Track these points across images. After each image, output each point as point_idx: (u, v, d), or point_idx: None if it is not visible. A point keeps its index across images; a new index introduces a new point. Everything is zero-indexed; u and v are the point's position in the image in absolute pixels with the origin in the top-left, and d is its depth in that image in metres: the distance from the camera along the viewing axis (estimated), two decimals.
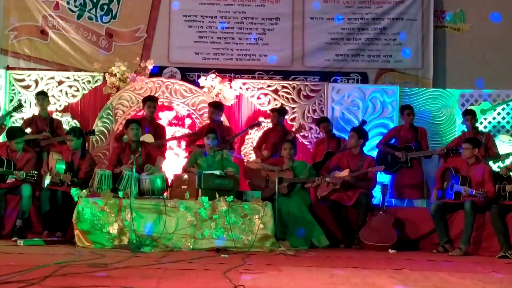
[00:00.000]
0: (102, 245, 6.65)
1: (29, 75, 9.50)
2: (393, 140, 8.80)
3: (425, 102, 9.52)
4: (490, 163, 8.39)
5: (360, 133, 7.98)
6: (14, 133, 7.80)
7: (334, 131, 9.05)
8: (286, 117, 9.32)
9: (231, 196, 6.89)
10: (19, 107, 8.97)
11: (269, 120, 9.11)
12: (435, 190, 7.46)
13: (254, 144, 9.04)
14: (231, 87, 9.41)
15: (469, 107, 9.19)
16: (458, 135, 8.93)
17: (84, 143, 7.94)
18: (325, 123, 8.88)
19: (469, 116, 8.54)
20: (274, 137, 8.71)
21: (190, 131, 9.00)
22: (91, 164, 7.73)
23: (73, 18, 10.17)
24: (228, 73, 9.86)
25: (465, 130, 9.05)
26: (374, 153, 8.78)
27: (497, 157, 8.40)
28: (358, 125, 8.88)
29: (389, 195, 8.78)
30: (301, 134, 9.29)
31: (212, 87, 9.33)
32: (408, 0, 10.26)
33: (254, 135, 9.23)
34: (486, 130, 9.24)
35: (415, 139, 8.61)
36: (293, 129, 9.05)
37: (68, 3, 10.14)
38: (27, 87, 9.44)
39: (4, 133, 8.15)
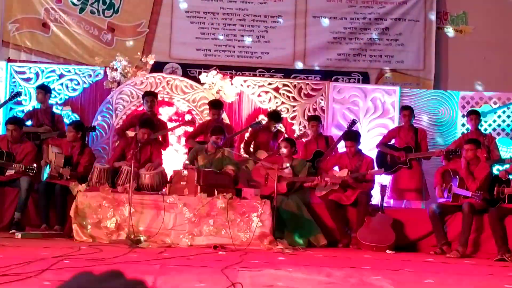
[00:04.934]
0: (100, 239, 6.65)
1: (30, 67, 9.49)
2: (392, 141, 8.78)
3: (426, 103, 9.50)
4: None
5: (356, 138, 7.95)
6: (12, 118, 7.87)
7: (333, 131, 9.02)
8: (286, 115, 9.32)
9: (230, 194, 6.89)
10: (16, 95, 8.95)
11: None
12: (439, 186, 7.43)
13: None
14: (232, 84, 9.40)
15: (469, 109, 9.17)
16: (461, 135, 8.88)
17: (84, 138, 7.94)
18: (316, 121, 8.80)
19: (473, 115, 8.53)
20: (268, 135, 8.69)
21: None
22: (90, 158, 7.74)
23: (75, 12, 10.16)
24: (229, 70, 9.84)
25: (465, 132, 9.06)
26: (374, 153, 8.77)
27: (501, 160, 8.37)
28: (348, 125, 8.81)
29: (388, 196, 8.77)
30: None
31: (213, 83, 9.32)
32: (411, 1, 10.25)
33: None
34: (486, 133, 9.23)
35: (415, 140, 8.59)
36: (295, 135, 9.03)
37: None
38: (27, 79, 9.43)
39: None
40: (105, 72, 9.35)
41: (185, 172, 7.15)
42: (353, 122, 8.85)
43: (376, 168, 8.02)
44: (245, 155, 8.94)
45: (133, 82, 9.27)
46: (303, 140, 8.89)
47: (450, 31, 10.13)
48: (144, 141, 7.72)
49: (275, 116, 8.75)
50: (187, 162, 7.75)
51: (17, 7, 10.10)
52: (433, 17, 10.24)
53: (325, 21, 10.26)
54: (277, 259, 5.83)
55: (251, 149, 8.79)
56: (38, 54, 10.07)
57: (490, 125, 9.44)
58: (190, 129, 8.94)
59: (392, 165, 8.55)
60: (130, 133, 7.99)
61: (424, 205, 8.45)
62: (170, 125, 9.00)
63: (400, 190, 8.62)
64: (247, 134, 9.18)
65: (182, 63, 10.03)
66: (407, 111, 8.71)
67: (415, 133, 8.65)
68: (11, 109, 9.25)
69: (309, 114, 9.34)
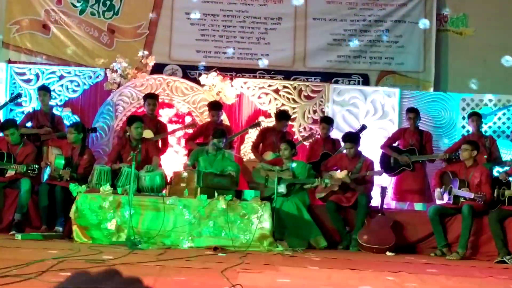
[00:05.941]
0: (100, 241, 6.65)
1: (30, 69, 9.48)
2: (397, 142, 8.75)
3: (426, 105, 9.49)
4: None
5: (355, 139, 7.96)
6: (5, 124, 7.83)
7: (333, 133, 9.00)
8: None
9: (230, 195, 6.89)
10: (17, 97, 8.95)
11: (269, 119, 9.12)
12: (437, 189, 7.44)
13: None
14: (232, 86, 9.39)
15: (470, 111, 9.17)
16: (461, 137, 8.88)
17: (84, 139, 7.95)
18: (327, 124, 8.77)
19: (475, 117, 8.52)
20: (276, 136, 8.69)
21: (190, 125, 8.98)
22: (90, 160, 7.74)
23: (75, 13, 10.15)
24: (229, 71, 9.84)
25: (466, 133, 9.05)
26: (375, 155, 8.77)
27: (502, 163, 8.36)
28: (357, 130, 8.77)
29: (391, 198, 8.77)
30: (301, 135, 9.28)
31: (213, 85, 9.32)
32: (411, 3, 10.24)
33: (253, 135, 9.21)
34: (486, 135, 9.21)
35: (420, 142, 8.57)
36: (300, 137, 9.03)
37: None
38: (28, 81, 9.42)
39: None
40: (105, 73, 9.35)
41: (185, 174, 7.15)
42: (363, 128, 8.81)
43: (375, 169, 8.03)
44: (244, 157, 8.96)
45: (133, 83, 9.28)
46: (311, 141, 8.88)
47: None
48: (140, 137, 7.73)
49: (284, 115, 8.75)
50: (188, 163, 7.75)
51: (17, 8, 10.08)
52: (433, 19, 10.22)
53: (325, 23, 10.25)
54: (277, 261, 5.82)
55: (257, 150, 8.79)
56: (39, 56, 10.06)
57: (490, 127, 9.44)
58: (190, 130, 8.94)
59: (395, 167, 8.54)
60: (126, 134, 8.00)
61: (426, 207, 8.42)
62: (170, 126, 8.99)
63: (403, 192, 8.60)
64: (247, 136, 9.19)
65: (182, 65, 10.02)
66: (412, 113, 8.68)
67: (420, 135, 8.64)
68: (11, 110, 9.25)
69: (311, 116, 9.35)
